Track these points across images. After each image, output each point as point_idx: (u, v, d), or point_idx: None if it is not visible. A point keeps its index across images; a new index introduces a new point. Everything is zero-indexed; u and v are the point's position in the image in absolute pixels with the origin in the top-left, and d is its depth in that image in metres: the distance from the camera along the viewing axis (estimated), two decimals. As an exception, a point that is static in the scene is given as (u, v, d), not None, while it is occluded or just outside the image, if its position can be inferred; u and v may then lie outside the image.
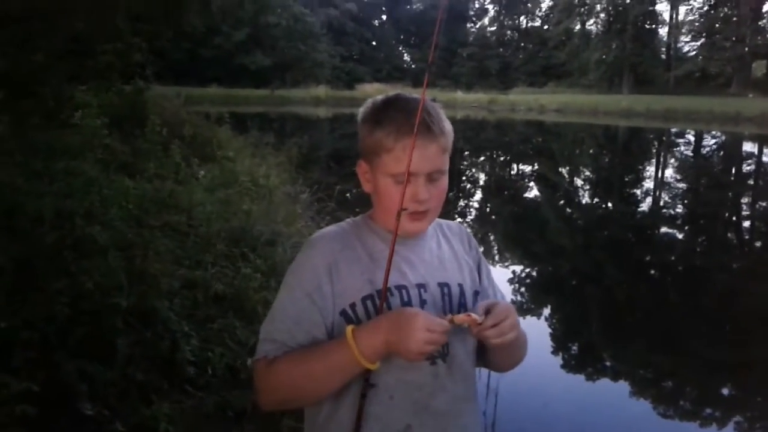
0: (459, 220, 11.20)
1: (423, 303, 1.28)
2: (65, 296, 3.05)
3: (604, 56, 51.73)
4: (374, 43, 62.22)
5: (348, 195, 9.37)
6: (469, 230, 1.53)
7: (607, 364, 5.38)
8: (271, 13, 43.89)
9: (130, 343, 2.93)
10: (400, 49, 65.44)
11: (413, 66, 63.02)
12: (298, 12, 47.33)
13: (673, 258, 9.01)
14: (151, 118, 7.51)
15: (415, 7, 65.18)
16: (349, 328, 1.18)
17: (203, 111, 11.95)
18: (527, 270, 8.01)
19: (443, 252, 1.39)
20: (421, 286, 1.30)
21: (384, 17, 64.44)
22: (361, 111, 1.33)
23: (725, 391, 4.90)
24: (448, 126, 1.30)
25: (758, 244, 10.24)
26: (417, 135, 1.23)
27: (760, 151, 22.91)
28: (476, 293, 1.37)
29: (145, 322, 3.17)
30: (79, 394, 2.57)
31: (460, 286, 1.35)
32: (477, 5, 66.78)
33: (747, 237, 10.56)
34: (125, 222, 4.50)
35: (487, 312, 1.22)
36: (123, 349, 2.84)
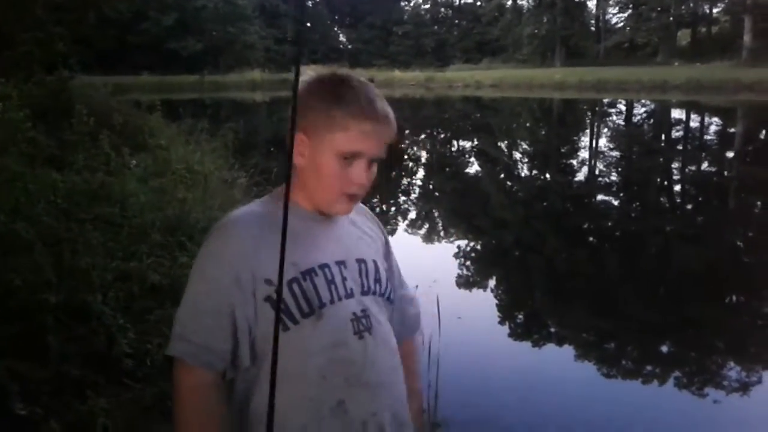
0: (403, 198, 11.23)
1: (344, 280, 1.28)
2: (-9, 295, 2.91)
3: (536, 30, 52.52)
4: (309, 24, 61.46)
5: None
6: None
7: (552, 330, 5.49)
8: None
9: (63, 339, 2.82)
10: (336, 29, 64.88)
11: (350, 46, 62.66)
12: (227, -6, 46.31)
13: (609, 224, 9.27)
14: (77, 108, 7.21)
15: (348, -14, 64.64)
16: None
17: (134, 100, 11.59)
18: (471, 244, 8.09)
19: (357, 229, 1.40)
20: (341, 263, 1.30)
21: (317, -2, 63.73)
22: (307, 84, 1.28)
23: (664, 349, 5.07)
24: (394, 119, 1.32)
25: (689, 207, 10.63)
26: (373, 120, 1.24)
27: (688, 117, 23.74)
28: (385, 268, 1.40)
29: (78, 317, 3.06)
30: (9, 393, 2.46)
31: (375, 262, 1.37)
32: (410, -17, 66.71)
33: (678, 201, 10.95)
34: (53, 216, 4.32)
35: None
36: (55, 347, 2.72)
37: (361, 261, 1.33)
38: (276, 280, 1.14)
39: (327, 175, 1.25)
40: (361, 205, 1.49)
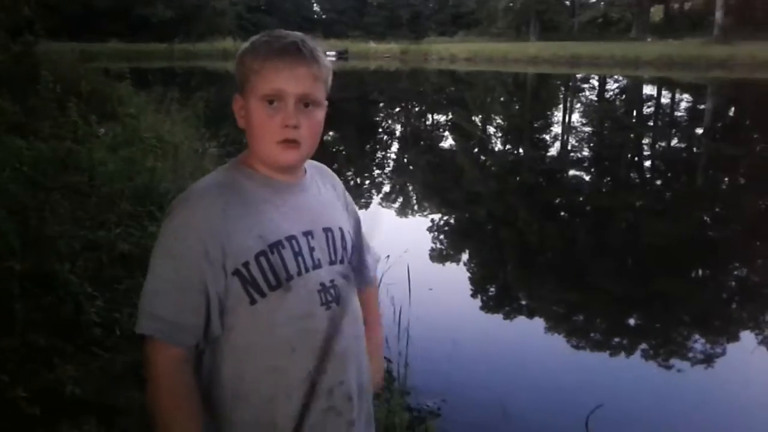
0: (377, 171, 11.20)
1: (312, 250, 1.27)
2: (-46, 263, 2.84)
3: (511, 4, 52.28)
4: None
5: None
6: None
7: (523, 303, 5.57)
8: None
9: (30, 308, 2.78)
10: (310, -2, 63.93)
11: (324, 16, 61.85)
12: (197, -41, 45.28)
13: (581, 199, 9.36)
14: (43, 75, 7.02)
15: (323, -46, 63.55)
16: None
17: (102, 67, 11.32)
18: (445, 218, 8.12)
19: (323, 196, 1.38)
20: (308, 234, 1.27)
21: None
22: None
23: (631, 322, 5.17)
24: (324, 59, 1.27)
25: (658, 182, 10.78)
26: (286, 55, 1.21)
27: (659, 94, 23.95)
28: (350, 234, 1.39)
29: (45, 286, 3.01)
30: (-25, 362, 2.42)
31: (341, 229, 1.35)
32: (386, -48, 65.70)
33: (648, 176, 11.08)
34: (19, 184, 4.22)
35: None
36: (21, 315, 2.68)
37: (327, 230, 1.32)
38: (245, 253, 1.18)
39: (257, 125, 1.23)
40: (323, 166, 1.47)
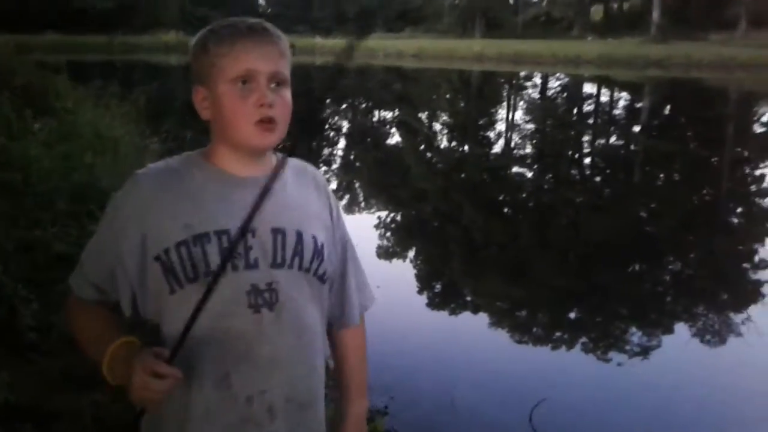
0: (324, 168, 11.15)
1: (248, 249, 1.20)
2: None
3: (456, 1, 52.79)
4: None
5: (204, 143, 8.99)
6: (320, 172, 1.47)
7: (468, 298, 5.64)
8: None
9: (-40, 312, 2.66)
10: (254, -8, 63.02)
11: (269, 10, 61.12)
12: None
13: (523, 195, 9.53)
14: (-27, 67, 6.74)
15: (267, -53, 62.75)
16: (116, 345, 1.16)
17: (38, 60, 10.91)
18: (392, 215, 8.16)
19: (288, 196, 1.30)
20: (248, 232, 1.21)
21: (235, -42, 61.45)
22: (194, 39, 1.25)
23: (572, 316, 5.30)
24: (284, 37, 1.26)
25: (597, 179, 11.07)
26: (254, 34, 1.20)
27: (599, 92, 24.57)
28: (316, 242, 1.30)
29: (-23, 289, 2.89)
30: None
31: (299, 233, 1.26)
32: (331, -53, 65.31)
33: (588, 173, 11.37)
34: (-53, 183, 4.05)
35: None
36: (-49, 319, 2.57)
37: (277, 230, 1.24)
38: (166, 240, 1.17)
39: (229, 109, 1.19)
40: (307, 165, 1.42)
